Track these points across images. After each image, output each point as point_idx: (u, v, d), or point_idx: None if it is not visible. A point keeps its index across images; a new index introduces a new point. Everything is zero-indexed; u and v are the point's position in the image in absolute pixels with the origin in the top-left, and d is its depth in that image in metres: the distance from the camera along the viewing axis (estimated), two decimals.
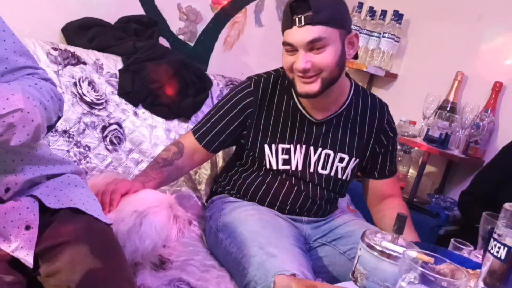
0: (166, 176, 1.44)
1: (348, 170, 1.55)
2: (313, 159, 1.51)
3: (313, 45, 1.32)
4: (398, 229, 0.92)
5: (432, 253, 0.86)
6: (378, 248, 0.91)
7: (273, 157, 1.50)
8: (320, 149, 1.51)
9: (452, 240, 1.18)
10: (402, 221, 0.92)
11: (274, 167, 1.50)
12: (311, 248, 1.54)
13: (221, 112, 1.50)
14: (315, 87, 1.37)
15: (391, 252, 0.90)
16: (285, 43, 1.36)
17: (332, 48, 1.34)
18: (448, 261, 0.88)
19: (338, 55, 1.36)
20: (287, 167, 1.50)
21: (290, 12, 1.32)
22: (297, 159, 1.50)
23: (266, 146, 1.49)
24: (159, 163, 1.45)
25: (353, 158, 1.54)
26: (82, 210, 1.02)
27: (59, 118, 1.03)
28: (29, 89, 0.91)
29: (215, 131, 1.50)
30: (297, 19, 1.30)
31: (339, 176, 1.54)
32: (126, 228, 1.15)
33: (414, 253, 0.84)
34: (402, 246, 0.93)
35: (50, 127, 0.99)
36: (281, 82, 1.51)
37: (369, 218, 1.73)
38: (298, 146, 1.50)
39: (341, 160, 1.53)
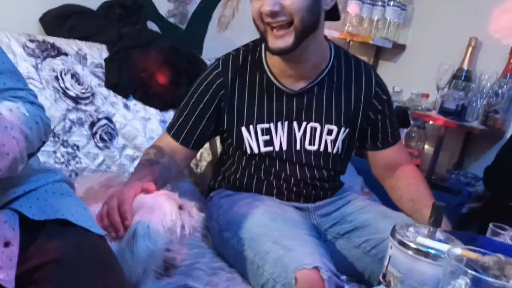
0: (158, 174, 1.26)
1: (338, 143, 1.39)
2: (298, 135, 1.36)
3: None
4: (436, 222, 0.78)
5: (478, 248, 0.73)
6: (412, 245, 0.77)
7: (252, 140, 1.35)
8: (304, 123, 1.36)
9: (490, 225, 1.05)
10: (439, 211, 0.77)
11: (256, 150, 1.35)
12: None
13: (192, 101, 1.35)
14: (288, 40, 1.22)
15: (429, 250, 0.76)
16: None
17: None
18: (494, 254, 0.75)
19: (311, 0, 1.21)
20: (270, 148, 1.35)
21: None
22: (279, 138, 1.35)
23: (243, 129, 1.34)
24: (144, 164, 1.29)
25: (342, 129, 1.39)
26: (72, 222, 0.90)
27: (43, 143, 0.93)
28: (9, 114, 0.81)
29: (189, 124, 1.35)
30: None
31: (329, 150, 1.39)
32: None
33: (458, 250, 0.70)
34: (440, 241, 0.78)
35: (32, 154, 0.89)
36: (251, 57, 1.36)
37: (386, 201, 1.56)
38: (279, 123, 1.35)
39: (330, 132, 1.38)
